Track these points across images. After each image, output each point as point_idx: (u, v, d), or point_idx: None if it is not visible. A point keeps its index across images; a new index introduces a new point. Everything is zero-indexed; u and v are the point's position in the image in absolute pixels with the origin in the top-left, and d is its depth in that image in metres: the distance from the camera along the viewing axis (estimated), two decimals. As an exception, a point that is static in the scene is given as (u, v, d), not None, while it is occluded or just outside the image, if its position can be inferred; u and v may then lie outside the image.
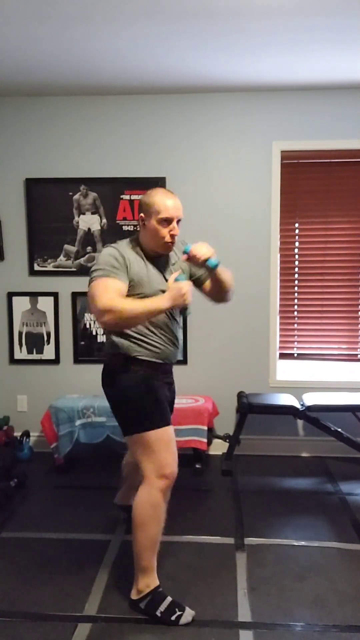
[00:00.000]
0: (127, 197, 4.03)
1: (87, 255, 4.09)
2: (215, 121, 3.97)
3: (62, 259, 4.11)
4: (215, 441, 4.04)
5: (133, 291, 2.22)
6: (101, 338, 4.15)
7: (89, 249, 4.09)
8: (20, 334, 4.19)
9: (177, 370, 3.95)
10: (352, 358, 4.16)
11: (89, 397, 3.91)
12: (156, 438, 2.24)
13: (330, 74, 3.59)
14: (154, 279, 2.28)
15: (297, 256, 4.12)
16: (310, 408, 3.68)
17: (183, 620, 2.19)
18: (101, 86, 3.81)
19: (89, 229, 4.08)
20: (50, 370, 4.20)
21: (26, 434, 4.06)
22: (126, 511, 2.83)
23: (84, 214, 4.07)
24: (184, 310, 2.31)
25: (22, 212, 4.10)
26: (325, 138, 3.92)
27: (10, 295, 4.16)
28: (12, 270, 4.15)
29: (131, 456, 2.70)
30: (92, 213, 4.07)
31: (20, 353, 4.20)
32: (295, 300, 4.16)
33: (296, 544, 2.83)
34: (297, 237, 4.11)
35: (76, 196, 4.06)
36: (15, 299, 4.16)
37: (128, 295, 2.20)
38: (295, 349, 4.19)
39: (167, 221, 2.23)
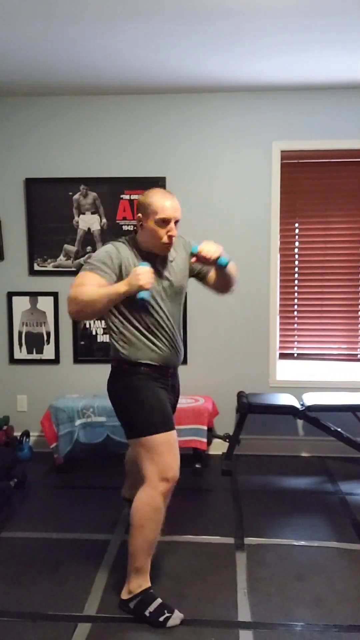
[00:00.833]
0: (127, 197, 4.03)
1: (87, 255, 4.09)
2: (215, 121, 3.97)
3: (62, 258, 4.11)
4: (215, 441, 4.04)
5: None
6: (101, 338, 4.14)
7: (88, 248, 4.09)
8: (20, 333, 4.19)
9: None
10: (352, 358, 4.15)
11: (88, 397, 3.91)
12: (160, 442, 2.23)
13: (330, 74, 3.59)
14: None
15: (297, 256, 4.12)
16: (310, 408, 3.68)
17: (171, 623, 2.18)
18: (101, 86, 3.81)
19: (89, 229, 4.08)
20: (50, 370, 4.20)
21: (26, 433, 4.06)
22: (129, 505, 2.81)
23: (83, 213, 4.07)
24: (138, 297, 2.15)
25: (22, 212, 4.10)
26: (325, 138, 3.92)
27: (10, 295, 4.16)
28: (12, 270, 4.15)
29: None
30: (92, 213, 4.07)
31: (20, 353, 4.20)
32: (295, 300, 4.16)
33: (296, 543, 2.83)
34: (297, 237, 4.11)
35: (76, 196, 4.06)
36: (15, 298, 4.16)
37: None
38: (295, 348, 4.19)
39: (165, 222, 2.21)
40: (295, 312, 4.16)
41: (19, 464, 3.83)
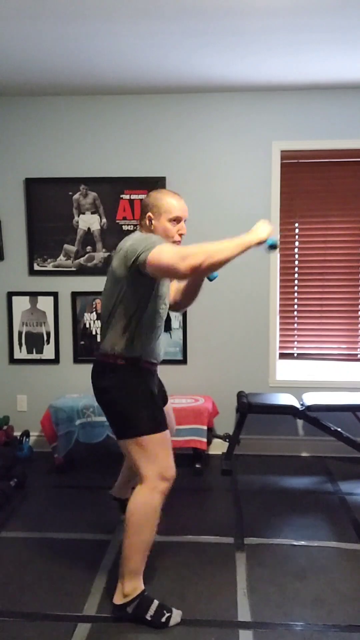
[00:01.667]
0: (127, 196, 4.03)
1: (86, 255, 4.09)
2: (215, 121, 3.97)
3: (61, 258, 4.11)
4: (215, 441, 4.04)
5: (154, 283, 2.23)
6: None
7: (88, 248, 4.09)
8: (20, 333, 4.19)
9: (177, 370, 4.01)
10: (352, 358, 4.15)
11: (88, 397, 3.91)
12: (159, 440, 2.22)
13: (330, 74, 3.59)
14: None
15: (297, 256, 4.12)
16: (310, 408, 3.68)
17: (173, 622, 2.19)
18: (101, 86, 3.81)
19: (89, 229, 4.08)
20: (50, 370, 4.20)
21: (26, 433, 4.05)
22: (122, 504, 2.80)
23: (83, 213, 4.07)
24: (272, 242, 2.22)
25: (22, 212, 4.10)
26: (325, 138, 3.92)
27: (10, 295, 4.16)
28: (12, 270, 4.15)
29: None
30: (92, 213, 4.07)
31: (20, 353, 4.20)
32: (295, 300, 4.16)
33: (296, 543, 2.83)
34: (297, 237, 4.11)
35: (76, 196, 4.06)
36: (15, 298, 4.16)
37: (149, 285, 2.21)
38: (295, 348, 4.19)
39: (177, 220, 2.30)
40: (295, 312, 4.16)
41: (19, 464, 3.83)
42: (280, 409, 3.78)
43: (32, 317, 4.17)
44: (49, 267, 4.12)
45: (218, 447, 4.06)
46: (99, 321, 4.12)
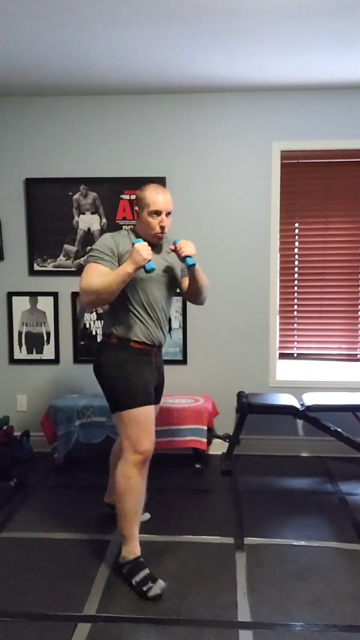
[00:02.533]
0: (126, 197, 4.03)
1: (86, 255, 4.08)
2: (215, 121, 3.97)
3: (61, 258, 4.11)
4: (215, 441, 4.04)
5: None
6: (101, 338, 4.14)
7: (88, 248, 4.08)
8: (20, 333, 4.19)
9: (176, 370, 4.01)
10: (352, 358, 4.15)
11: (88, 397, 3.91)
12: (135, 415, 2.45)
13: (330, 74, 3.59)
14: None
15: (297, 256, 4.12)
16: (310, 408, 3.68)
17: (152, 593, 2.32)
18: (101, 86, 3.81)
19: (89, 229, 4.08)
20: (50, 370, 4.20)
21: (26, 433, 4.05)
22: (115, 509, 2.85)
23: (83, 213, 4.07)
24: (145, 268, 2.38)
25: (22, 212, 4.10)
26: (325, 138, 3.92)
27: (10, 295, 4.16)
28: (12, 270, 4.15)
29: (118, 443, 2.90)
30: (92, 213, 4.07)
31: (20, 353, 4.20)
32: (295, 300, 4.16)
33: (296, 543, 2.83)
34: (296, 237, 4.11)
35: (76, 196, 4.06)
36: (15, 298, 4.16)
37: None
38: (295, 348, 4.19)
39: (157, 213, 2.48)
40: (295, 312, 4.16)
41: (19, 464, 3.83)
42: (280, 409, 3.78)
43: (32, 317, 4.17)
44: (49, 267, 4.13)
45: (218, 447, 4.06)
46: (99, 321, 4.13)
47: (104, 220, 4.06)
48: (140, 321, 2.52)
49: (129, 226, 2.59)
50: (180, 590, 2.41)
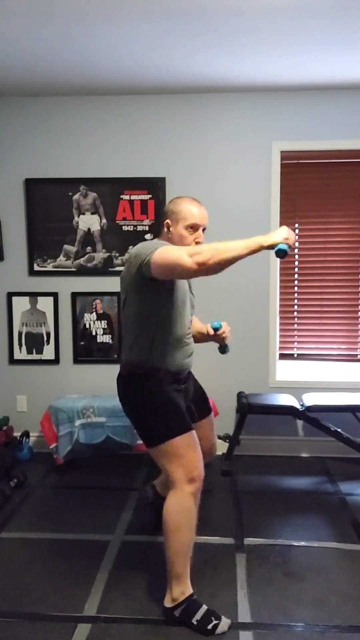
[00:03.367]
0: (126, 197, 4.03)
1: (86, 256, 4.09)
2: (215, 121, 3.97)
3: (61, 259, 4.11)
4: (215, 441, 4.04)
5: (164, 289, 2.23)
6: (101, 338, 4.15)
7: (88, 249, 4.09)
8: (20, 334, 4.19)
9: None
10: (352, 358, 4.15)
11: (88, 397, 3.91)
12: (179, 444, 2.21)
13: (330, 74, 3.59)
14: (182, 283, 2.32)
15: (297, 256, 4.12)
16: (310, 408, 3.68)
17: (219, 630, 2.14)
18: (101, 86, 3.81)
19: (89, 229, 4.08)
20: (49, 371, 4.19)
21: (26, 434, 4.05)
22: (158, 500, 2.72)
23: (83, 214, 4.07)
24: (282, 250, 2.02)
25: (22, 212, 4.10)
26: (324, 138, 3.92)
27: (10, 295, 4.16)
28: (12, 270, 4.15)
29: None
30: (92, 213, 4.07)
31: (20, 353, 4.19)
32: (295, 301, 4.16)
33: (296, 544, 2.83)
34: (297, 237, 4.10)
35: (76, 196, 4.06)
36: (15, 299, 4.16)
37: (159, 291, 2.22)
38: (295, 349, 4.19)
39: (194, 228, 2.28)
40: (295, 313, 4.16)
41: (19, 465, 3.83)
42: (280, 409, 3.78)
43: (32, 317, 4.17)
44: (49, 268, 4.12)
45: (218, 448, 4.03)
46: (99, 322, 4.13)
47: (104, 221, 4.06)
48: (175, 350, 2.30)
49: (153, 238, 2.39)
50: (180, 590, 2.41)
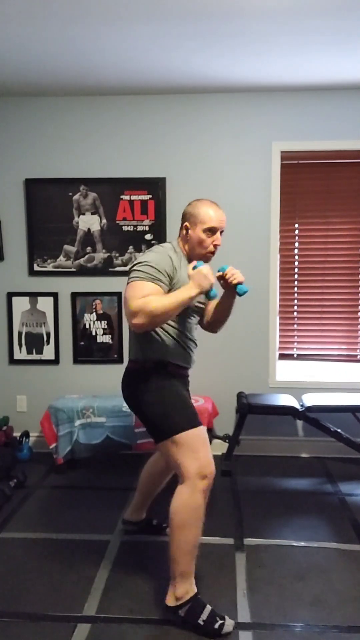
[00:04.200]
0: (127, 197, 4.03)
1: (86, 256, 4.09)
2: (215, 121, 3.98)
3: (61, 259, 4.11)
4: (215, 441, 4.04)
5: (167, 289, 2.24)
6: (101, 338, 4.15)
7: (88, 249, 4.09)
8: (19, 334, 4.19)
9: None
10: (351, 359, 4.16)
11: (88, 398, 3.91)
12: (196, 436, 2.21)
13: (330, 74, 3.59)
14: (185, 280, 2.31)
15: (296, 257, 4.12)
16: (309, 409, 3.68)
17: (226, 629, 2.12)
18: (101, 86, 3.82)
19: (89, 229, 4.08)
20: (49, 371, 4.20)
21: (26, 434, 4.05)
22: (137, 526, 2.84)
23: (83, 214, 4.07)
24: (208, 294, 2.29)
25: (22, 212, 4.10)
26: (324, 139, 3.92)
27: (10, 295, 4.16)
28: (12, 270, 4.15)
29: (156, 464, 2.70)
30: (92, 213, 4.07)
31: (20, 353, 4.20)
32: (295, 301, 4.16)
33: (296, 544, 2.83)
34: (296, 237, 4.11)
35: (76, 196, 4.06)
36: (15, 299, 4.16)
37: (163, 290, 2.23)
38: (295, 349, 4.19)
39: (212, 231, 2.31)
40: (295, 313, 4.16)
41: (19, 465, 3.84)
42: (280, 409, 3.78)
43: (32, 317, 4.17)
44: (49, 268, 4.12)
45: (218, 448, 4.05)
46: (98, 322, 4.13)
47: (104, 221, 4.06)
48: (181, 346, 2.34)
49: (168, 242, 2.40)
50: (180, 590, 2.41)
